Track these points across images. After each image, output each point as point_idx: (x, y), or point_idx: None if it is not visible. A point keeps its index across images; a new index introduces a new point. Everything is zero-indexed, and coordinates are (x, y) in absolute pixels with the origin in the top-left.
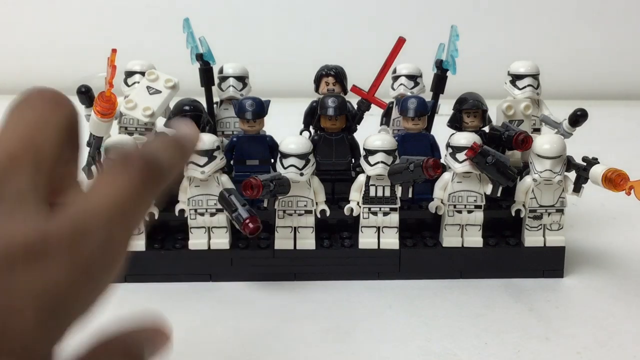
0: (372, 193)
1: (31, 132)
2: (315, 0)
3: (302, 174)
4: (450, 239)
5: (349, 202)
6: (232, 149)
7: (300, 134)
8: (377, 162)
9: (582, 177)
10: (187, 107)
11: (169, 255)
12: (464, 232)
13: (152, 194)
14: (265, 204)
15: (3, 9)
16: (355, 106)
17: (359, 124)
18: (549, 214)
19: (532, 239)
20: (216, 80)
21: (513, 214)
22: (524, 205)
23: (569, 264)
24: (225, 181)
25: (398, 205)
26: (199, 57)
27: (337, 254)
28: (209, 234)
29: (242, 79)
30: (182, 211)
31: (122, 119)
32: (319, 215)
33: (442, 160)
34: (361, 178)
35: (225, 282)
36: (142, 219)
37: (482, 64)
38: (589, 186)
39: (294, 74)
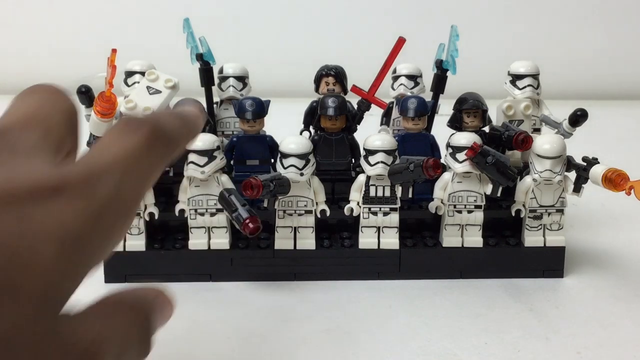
0: (372, 193)
1: (39, 108)
2: (315, 0)
3: (302, 174)
4: (450, 239)
5: (349, 202)
6: (232, 149)
7: (300, 134)
8: (377, 162)
9: (582, 177)
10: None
11: (169, 255)
12: (464, 232)
13: (157, 158)
14: (265, 204)
15: (3, 9)
16: (355, 106)
17: (359, 124)
18: (549, 214)
19: (532, 239)
20: (216, 80)
21: (513, 214)
22: (524, 205)
23: (569, 264)
24: (225, 181)
25: (398, 205)
26: (199, 57)
27: (337, 254)
28: (209, 234)
29: (242, 79)
30: (182, 211)
31: None
32: (319, 215)
33: (442, 160)
34: (361, 178)
35: (225, 282)
36: (149, 183)
37: (482, 64)
38: (589, 186)
39: (294, 74)
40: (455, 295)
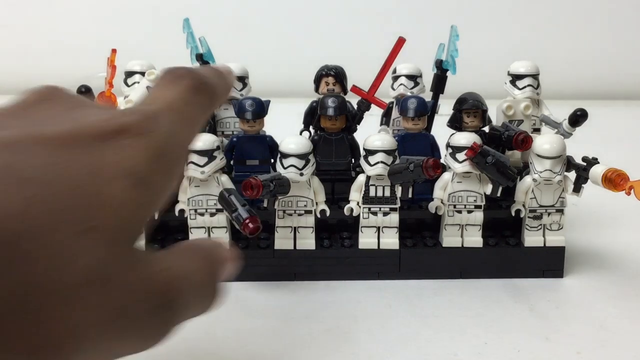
0: (372, 193)
1: None
2: (315, 0)
3: (302, 174)
4: (450, 239)
5: (349, 202)
6: (232, 149)
7: (300, 134)
8: (377, 162)
9: (582, 177)
10: None
11: None
12: (463, 232)
13: (201, 104)
14: (265, 204)
15: (3, 9)
16: (355, 106)
17: (359, 124)
18: (549, 214)
19: (532, 239)
20: None
21: (513, 214)
22: (523, 205)
23: (569, 264)
24: (225, 181)
25: (398, 205)
26: (199, 57)
27: (337, 254)
28: (208, 234)
29: (242, 79)
30: (182, 211)
31: None
32: (319, 215)
33: (442, 160)
34: (361, 178)
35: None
36: (197, 127)
37: (482, 64)
38: (589, 186)
39: (294, 74)
40: (455, 295)
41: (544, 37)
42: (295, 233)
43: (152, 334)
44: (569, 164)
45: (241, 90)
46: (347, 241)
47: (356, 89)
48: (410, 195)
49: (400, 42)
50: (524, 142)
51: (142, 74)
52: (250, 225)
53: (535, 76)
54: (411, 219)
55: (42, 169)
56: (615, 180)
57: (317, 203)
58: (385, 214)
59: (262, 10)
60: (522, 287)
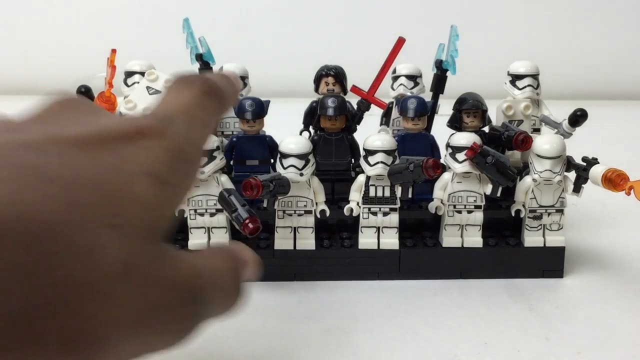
0: (371, 193)
1: None
2: (315, 0)
3: (301, 174)
4: (450, 239)
5: (348, 202)
6: (232, 149)
7: (300, 134)
8: (377, 162)
9: (582, 177)
10: None
11: None
12: (463, 232)
13: (212, 107)
14: (265, 204)
15: (3, 9)
16: (355, 106)
17: (358, 124)
18: (549, 214)
19: (532, 239)
20: None
21: (513, 214)
22: (523, 206)
23: (569, 264)
24: (225, 181)
25: (398, 206)
26: (199, 57)
27: (337, 254)
28: (208, 234)
29: (242, 79)
30: (181, 211)
31: None
32: (318, 216)
33: (441, 161)
34: (361, 178)
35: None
36: (210, 129)
37: (482, 64)
38: (589, 186)
39: (294, 74)
40: (455, 295)
41: (544, 37)
42: (295, 233)
43: (179, 329)
44: (569, 164)
45: (241, 90)
46: (347, 241)
47: (356, 89)
48: (410, 196)
49: (400, 42)
50: (524, 142)
51: (142, 74)
52: (250, 225)
53: (535, 76)
54: (411, 219)
55: (66, 169)
56: (615, 181)
57: (317, 203)
58: (385, 214)
59: (262, 11)
60: (522, 287)
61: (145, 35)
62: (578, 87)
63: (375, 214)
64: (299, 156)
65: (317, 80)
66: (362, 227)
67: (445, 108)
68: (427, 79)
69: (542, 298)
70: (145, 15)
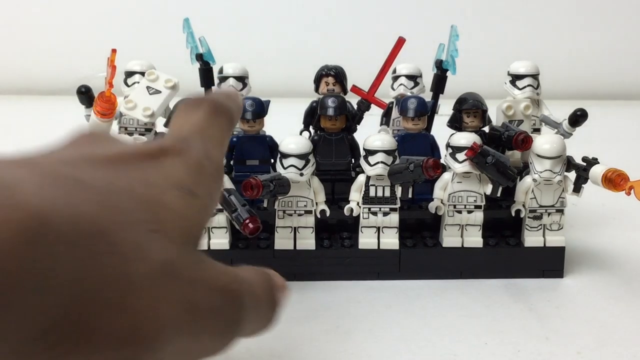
0: (372, 193)
1: None
2: (315, 0)
3: (302, 174)
4: (450, 239)
5: (348, 202)
6: (232, 149)
7: (300, 134)
8: (377, 162)
9: (582, 177)
10: None
11: None
12: (463, 232)
13: (222, 125)
14: (265, 204)
15: (3, 9)
16: (355, 106)
17: (359, 124)
18: (549, 214)
19: (532, 239)
20: (216, 81)
21: (513, 214)
22: (523, 206)
23: (569, 264)
24: (225, 181)
25: (398, 206)
26: (199, 57)
27: (337, 254)
28: (209, 234)
29: (242, 79)
30: None
31: (122, 119)
32: (318, 216)
33: (442, 161)
34: (361, 178)
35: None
36: (224, 146)
37: (482, 64)
38: (589, 186)
39: (294, 74)
40: (455, 295)
41: (544, 37)
42: (295, 233)
43: (222, 331)
44: (569, 164)
45: (241, 90)
46: (347, 241)
47: (356, 89)
48: (410, 196)
49: (400, 42)
50: (524, 142)
51: (142, 73)
52: (250, 225)
53: (535, 76)
54: (411, 219)
55: (102, 180)
56: (615, 180)
57: (317, 203)
58: (385, 214)
59: (262, 11)
60: (522, 287)
61: (145, 35)
62: (578, 87)
63: (375, 214)
64: (299, 156)
65: (317, 80)
66: (362, 227)
67: (445, 108)
68: (427, 79)
69: (542, 298)
70: (145, 15)
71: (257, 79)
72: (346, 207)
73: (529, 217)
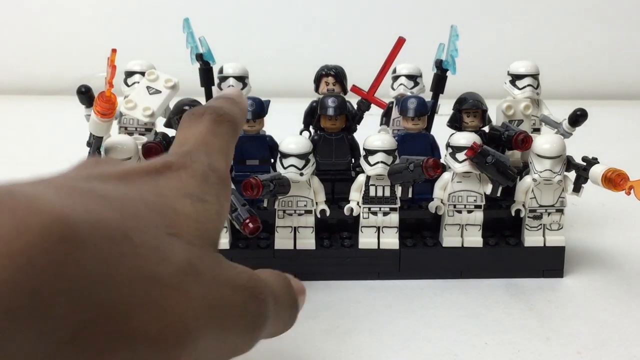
0: (372, 193)
1: None
2: (315, 0)
3: (302, 174)
4: (450, 238)
5: (348, 202)
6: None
7: (300, 134)
8: (377, 162)
9: (582, 177)
10: (187, 107)
11: None
12: (463, 232)
13: (226, 133)
14: (265, 204)
15: (3, 9)
16: (355, 106)
17: (358, 124)
18: (549, 213)
19: (532, 238)
20: (216, 80)
21: (513, 213)
22: (523, 205)
23: (569, 264)
24: None
25: (398, 205)
26: (199, 57)
27: (337, 254)
28: None
29: (242, 79)
30: None
31: (122, 119)
32: (318, 215)
33: (442, 160)
34: (361, 178)
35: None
36: (229, 155)
37: (482, 64)
38: (589, 186)
39: (294, 74)
40: (456, 295)
41: (544, 37)
42: (295, 233)
43: (247, 327)
44: (569, 163)
45: (241, 90)
46: (347, 241)
47: (356, 89)
48: (410, 195)
49: (400, 42)
50: (524, 142)
51: (142, 73)
52: (250, 225)
53: (535, 76)
54: (411, 219)
55: (117, 192)
56: (615, 180)
57: (317, 203)
58: (385, 213)
59: (262, 10)
60: (522, 287)
61: (145, 35)
62: (578, 87)
63: (375, 213)
64: (299, 156)
65: (317, 80)
66: (362, 226)
67: (445, 108)
68: (427, 79)
69: (542, 298)
70: (145, 15)
71: (257, 78)
72: (346, 207)
73: (528, 217)
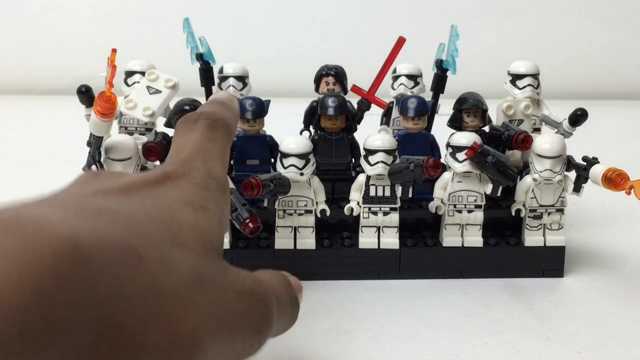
0: (372, 193)
1: None
2: (315, 0)
3: (302, 174)
4: (450, 238)
5: (349, 201)
6: (232, 148)
7: (300, 133)
8: (377, 162)
9: (582, 176)
10: (187, 107)
11: None
12: (464, 231)
13: (221, 137)
14: (265, 204)
15: (3, 9)
16: (356, 106)
17: (359, 124)
18: (549, 213)
19: (532, 238)
20: (216, 80)
21: (513, 213)
22: (524, 205)
23: (569, 263)
24: None
25: (398, 205)
26: (199, 57)
27: (337, 254)
28: None
29: (242, 78)
30: None
31: (122, 118)
32: (319, 215)
33: (442, 160)
34: (361, 178)
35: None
36: (225, 159)
37: (482, 64)
38: (589, 186)
39: (294, 74)
40: (456, 295)
41: (544, 37)
42: (296, 233)
43: (254, 331)
44: (569, 163)
45: (241, 90)
46: (347, 241)
47: (356, 89)
48: (410, 195)
49: (400, 42)
50: (524, 142)
51: (142, 73)
52: (251, 225)
53: (535, 76)
54: (411, 219)
55: (121, 207)
56: (615, 180)
57: (317, 203)
58: (385, 213)
59: (262, 10)
60: (522, 287)
61: (145, 35)
62: (578, 87)
63: (375, 213)
64: (300, 156)
65: (318, 80)
66: (362, 226)
67: (446, 108)
68: (428, 79)
69: (542, 298)
70: (145, 15)
71: (257, 78)
72: (346, 207)
73: (529, 217)
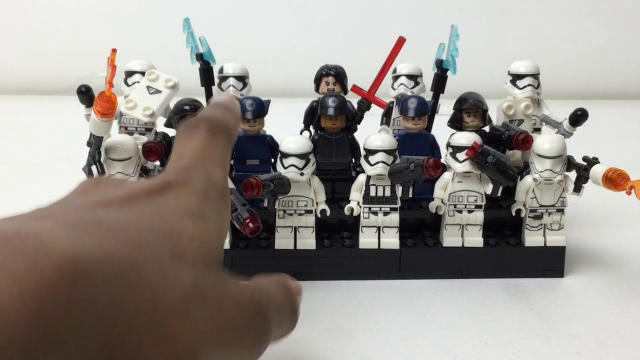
0: (372, 193)
1: None
2: (316, 0)
3: (302, 174)
4: (450, 238)
5: (349, 202)
6: (232, 148)
7: (301, 133)
8: (378, 162)
9: (583, 176)
10: (187, 107)
11: None
12: (464, 231)
13: (222, 143)
14: (265, 204)
15: (3, 9)
16: (356, 106)
17: (359, 124)
18: (550, 213)
19: (532, 238)
20: (216, 80)
21: (513, 213)
22: (524, 205)
23: (569, 263)
24: None
25: (398, 205)
26: (199, 57)
27: (338, 254)
28: None
29: (242, 78)
30: None
31: (122, 118)
32: (319, 215)
33: (442, 160)
34: (361, 178)
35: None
36: (226, 165)
37: (482, 64)
38: (590, 186)
39: (294, 74)
40: (456, 295)
41: (544, 37)
42: (296, 233)
43: (253, 342)
44: (570, 163)
45: (241, 90)
46: (347, 241)
47: (356, 89)
48: (410, 195)
49: (400, 42)
50: (525, 142)
51: (142, 73)
52: (251, 225)
53: (535, 76)
54: (411, 219)
55: (119, 220)
56: (615, 180)
57: (317, 203)
58: (385, 213)
59: (262, 10)
60: (522, 287)
61: (145, 35)
62: (578, 87)
63: (375, 213)
64: (300, 156)
65: (318, 80)
66: (362, 226)
67: (446, 108)
68: (428, 79)
69: (542, 298)
70: (145, 15)
71: (258, 78)
72: (346, 207)
73: (529, 217)
